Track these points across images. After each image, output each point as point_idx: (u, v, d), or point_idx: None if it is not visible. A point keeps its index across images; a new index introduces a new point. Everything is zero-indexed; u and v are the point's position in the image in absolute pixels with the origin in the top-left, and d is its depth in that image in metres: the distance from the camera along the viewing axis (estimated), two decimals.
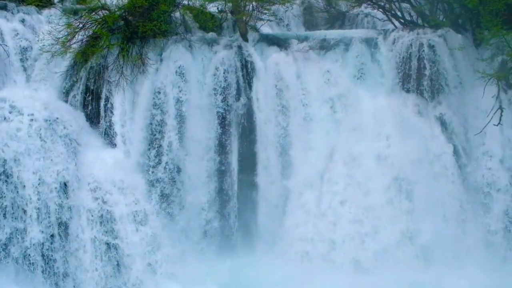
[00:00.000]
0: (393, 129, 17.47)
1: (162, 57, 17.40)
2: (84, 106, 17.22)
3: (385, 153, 17.33)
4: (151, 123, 17.08)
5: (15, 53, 17.17)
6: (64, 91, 17.27)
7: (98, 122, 17.17)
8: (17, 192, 15.15)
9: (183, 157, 17.15)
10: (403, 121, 17.51)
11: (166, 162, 17.03)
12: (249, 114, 17.69)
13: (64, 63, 17.23)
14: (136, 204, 16.37)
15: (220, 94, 17.45)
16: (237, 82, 17.67)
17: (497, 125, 16.69)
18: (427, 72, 17.68)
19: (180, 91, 17.18)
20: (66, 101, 17.10)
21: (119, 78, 16.97)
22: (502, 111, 16.66)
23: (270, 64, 17.75)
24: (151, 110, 17.10)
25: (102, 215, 15.88)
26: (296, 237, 17.23)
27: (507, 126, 17.41)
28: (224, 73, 17.44)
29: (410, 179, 17.21)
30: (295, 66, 17.74)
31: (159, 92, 17.14)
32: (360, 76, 18.08)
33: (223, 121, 17.51)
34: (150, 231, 16.32)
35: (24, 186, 15.19)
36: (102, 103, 17.16)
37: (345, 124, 17.61)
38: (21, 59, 17.29)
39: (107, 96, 17.12)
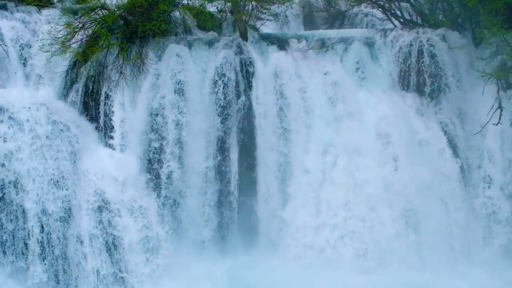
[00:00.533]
0: (400, 150, 17.04)
1: (160, 62, 17.25)
2: (86, 112, 17.14)
3: (391, 178, 16.81)
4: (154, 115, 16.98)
5: (15, 53, 17.13)
6: (63, 93, 17.24)
7: (103, 134, 17.08)
8: (17, 223, 14.75)
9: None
10: (408, 140, 17.07)
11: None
12: (249, 125, 17.60)
13: (63, 63, 17.18)
14: (147, 228, 16.02)
15: (219, 114, 17.26)
16: (237, 95, 17.50)
17: (496, 125, 16.67)
18: (426, 73, 17.66)
19: (179, 113, 17.00)
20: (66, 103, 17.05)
21: (118, 78, 16.97)
22: (501, 111, 16.66)
23: (270, 68, 17.64)
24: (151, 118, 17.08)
25: (107, 241, 15.48)
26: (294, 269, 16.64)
27: (507, 148, 17.10)
28: (223, 88, 17.24)
29: (418, 209, 16.62)
30: (299, 82, 17.56)
31: (156, 113, 17.00)
32: (360, 76, 17.93)
33: (222, 144, 17.34)
34: (162, 261, 16.03)
35: (26, 214, 14.76)
36: (101, 119, 17.02)
37: (347, 144, 17.25)
38: (20, 59, 17.25)
39: (106, 112, 17.00)
